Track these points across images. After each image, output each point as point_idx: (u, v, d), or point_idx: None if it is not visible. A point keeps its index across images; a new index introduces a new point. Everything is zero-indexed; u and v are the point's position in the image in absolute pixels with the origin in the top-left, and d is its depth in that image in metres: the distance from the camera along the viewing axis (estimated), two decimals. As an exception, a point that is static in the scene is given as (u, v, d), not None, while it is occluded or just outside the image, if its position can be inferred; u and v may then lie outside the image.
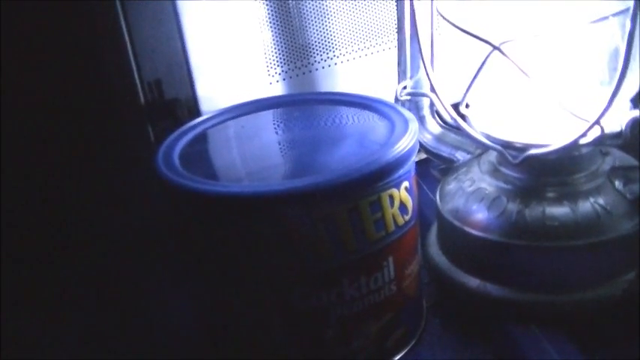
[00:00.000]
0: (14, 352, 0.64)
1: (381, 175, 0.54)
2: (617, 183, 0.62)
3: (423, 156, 0.74)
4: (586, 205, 0.61)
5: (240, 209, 0.53)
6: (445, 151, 0.72)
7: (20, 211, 0.75)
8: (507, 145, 0.61)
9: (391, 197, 0.55)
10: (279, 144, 0.62)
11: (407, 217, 0.57)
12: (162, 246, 0.72)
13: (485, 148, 0.66)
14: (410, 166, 0.57)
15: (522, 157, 0.60)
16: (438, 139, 0.73)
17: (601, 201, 0.61)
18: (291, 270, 0.55)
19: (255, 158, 0.60)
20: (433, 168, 0.81)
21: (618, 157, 0.66)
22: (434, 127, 0.72)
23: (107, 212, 0.78)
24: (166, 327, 0.68)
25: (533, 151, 0.60)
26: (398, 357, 0.61)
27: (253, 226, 0.53)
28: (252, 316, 0.58)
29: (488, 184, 0.64)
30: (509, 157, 0.61)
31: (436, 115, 0.73)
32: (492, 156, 0.67)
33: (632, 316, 0.60)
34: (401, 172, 0.55)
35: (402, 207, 0.56)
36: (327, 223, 0.53)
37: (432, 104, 0.72)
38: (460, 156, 0.71)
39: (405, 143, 0.55)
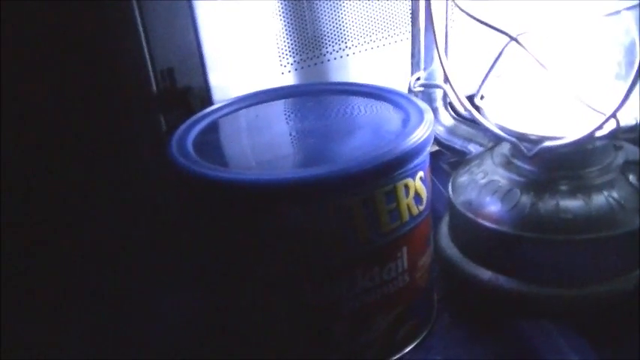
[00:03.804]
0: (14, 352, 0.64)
1: (397, 164, 0.53)
2: (630, 177, 0.62)
3: (434, 149, 0.74)
4: (600, 199, 0.60)
5: (253, 198, 0.53)
6: (458, 143, 0.72)
7: (24, 202, 0.75)
8: (522, 137, 0.61)
9: (406, 187, 0.54)
10: (292, 134, 0.62)
11: (421, 208, 0.57)
12: (171, 238, 0.72)
13: (499, 140, 0.66)
14: (425, 156, 0.57)
15: (537, 150, 0.60)
16: (451, 131, 0.72)
17: (615, 195, 0.61)
18: (302, 261, 0.54)
19: (268, 147, 0.60)
20: (443, 162, 0.81)
21: (631, 151, 0.65)
22: (447, 119, 0.72)
23: (116, 201, 0.77)
24: (169, 324, 0.67)
25: (547, 144, 0.60)
26: (407, 350, 0.61)
27: (265, 216, 0.53)
28: (261, 309, 0.58)
29: (501, 177, 0.64)
30: (524, 149, 0.60)
31: (449, 108, 0.73)
32: (505, 148, 0.67)
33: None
34: (416, 161, 0.55)
35: (417, 197, 0.56)
36: (341, 214, 0.53)
37: (444, 96, 0.72)
38: (473, 148, 0.71)
39: (421, 133, 0.55)
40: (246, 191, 0.52)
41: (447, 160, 0.78)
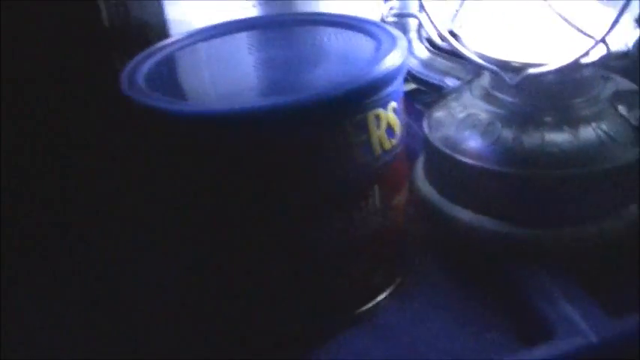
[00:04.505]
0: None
1: (368, 92, 0.48)
2: (620, 108, 0.57)
3: (408, 87, 0.69)
4: (588, 131, 0.56)
5: (212, 130, 0.48)
6: (433, 77, 0.68)
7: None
8: (504, 66, 0.56)
9: (378, 118, 0.50)
10: (256, 65, 0.56)
11: (394, 142, 0.52)
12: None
13: (480, 70, 0.62)
14: (398, 85, 0.52)
15: (520, 78, 0.55)
16: (426, 64, 0.68)
17: (604, 127, 0.56)
18: (266, 203, 0.49)
19: (230, 80, 0.54)
20: (419, 102, 0.77)
21: (620, 82, 0.61)
22: (421, 51, 0.68)
23: (70, 145, 0.72)
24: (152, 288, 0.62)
25: (532, 71, 0.55)
26: (384, 296, 0.57)
27: (227, 150, 0.48)
28: (226, 257, 0.54)
29: (481, 110, 0.59)
30: (506, 79, 0.56)
31: (424, 40, 0.68)
32: (485, 80, 0.62)
33: (636, 251, 0.56)
34: (389, 90, 0.50)
35: (390, 130, 0.51)
36: (308, 147, 0.48)
37: (419, 28, 0.67)
38: (450, 82, 0.66)
39: (393, 59, 0.50)
40: (203, 125, 0.48)
41: (423, 100, 0.73)
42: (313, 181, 0.49)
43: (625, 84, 0.61)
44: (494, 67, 0.56)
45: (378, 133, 0.50)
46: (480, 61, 0.57)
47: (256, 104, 0.48)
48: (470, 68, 0.65)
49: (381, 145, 0.51)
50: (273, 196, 0.49)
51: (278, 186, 0.49)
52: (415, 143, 0.66)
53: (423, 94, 0.75)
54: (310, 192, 0.49)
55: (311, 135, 0.48)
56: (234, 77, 0.55)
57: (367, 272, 0.55)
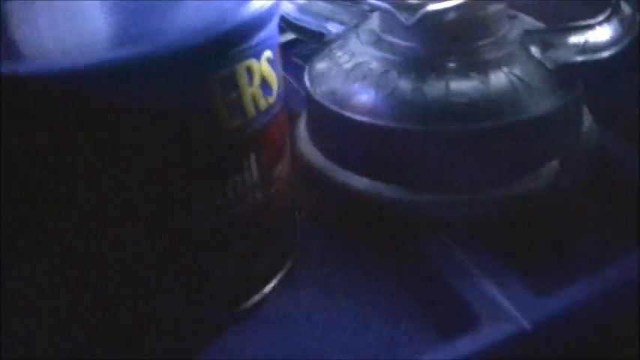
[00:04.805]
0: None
1: (236, 38, 0.39)
2: (533, 49, 0.49)
3: (284, 39, 0.60)
4: (500, 77, 0.47)
5: (46, 93, 0.36)
6: (312, 23, 0.58)
7: None
8: (398, 5, 0.47)
9: (249, 71, 0.40)
10: (97, 10, 0.45)
11: (271, 100, 0.42)
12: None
13: (367, 11, 0.52)
14: (273, 30, 0.42)
15: (417, 17, 0.46)
16: (303, 9, 0.58)
17: (517, 71, 0.48)
18: (116, 180, 0.39)
19: (66, 30, 0.43)
20: (295, 55, 0.67)
21: (528, 22, 0.53)
22: (297, -7, 0.58)
23: None
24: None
25: (431, 8, 0.46)
26: (269, 288, 0.47)
27: (62, 117, 0.37)
28: (82, 246, 0.42)
29: (371, 58, 0.50)
30: (402, 19, 0.46)
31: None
32: (374, 23, 0.53)
33: (560, 216, 0.48)
34: (261, 35, 0.40)
35: (265, 85, 0.41)
36: (161, 111, 0.38)
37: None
38: (332, 28, 0.57)
39: (263, -2, 0.40)
40: (38, 84, 0.36)
41: (301, 52, 0.64)
42: (171, 152, 0.39)
43: (531, 23, 0.53)
44: (387, 6, 0.47)
45: (251, 90, 0.40)
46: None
47: (89, 61, 0.36)
48: (355, 10, 0.55)
49: (256, 104, 0.41)
50: (123, 172, 0.39)
51: (128, 160, 0.38)
52: (294, 102, 0.56)
53: (301, 45, 0.66)
54: (168, 166, 0.39)
55: (164, 96, 0.37)
56: (70, 27, 0.43)
57: (249, 258, 0.45)
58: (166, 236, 0.41)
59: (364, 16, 0.55)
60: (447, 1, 0.46)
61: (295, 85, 0.58)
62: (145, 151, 0.38)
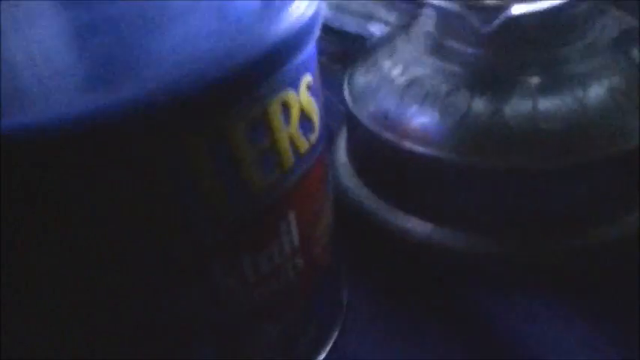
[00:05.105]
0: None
1: (265, 65, 0.28)
2: (635, 54, 0.39)
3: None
4: (597, 92, 0.37)
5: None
6: (350, 23, 0.48)
7: None
8: (472, 5, 0.37)
9: (285, 106, 0.29)
10: (72, 32, 0.34)
11: (313, 139, 0.32)
12: None
13: (419, 10, 0.42)
14: (312, 47, 0.32)
15: (499, 23, 0.36)
16: (339, 7, 0.48)
17: (616, 84, 0.37)
18: (123, 256, 0.28)
19: (33, 59, 0.32)
20: (321, 54, 0.57)
21: (623, 19, 0.42)
22: (331, -13, 0.48)
23: None
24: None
25: (515, 11, 0.35)
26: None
27: (39, 184, 0.26)
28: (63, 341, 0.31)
29: (432, 70, 0.40)
30: (477, 25, 0.36)
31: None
32: (429, 24, 0.43)
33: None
34: (299, 57, 0.30)
35: (305, 121, 0.31)
36: (172, 170, 0.27)
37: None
38: (375, 30, 0.46)
39: (301, 5, 0.30)
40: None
41: (326, 50, 0.53)
42: (184, 224, 0.28)
43: (626, 21, 0.43)
44: (457, 8, 0.37)
45: (288, 132, 0.30)
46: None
47: (68, 112, 0.26)
48: (404, 8, 0.45)
49: (295, 148, 0.31)
50: (122, 253, 0.28)
51: (132, 237, 0.28)
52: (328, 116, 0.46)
53: (331, 45, 0.56)
54: (183, 241, 0.29)
55: (165, 155, 0.27)
56: (40, 54, 0.32)
57: (287, 341, 0.35)
58: (187, 327, 0.31)
59: (413, 15, 0.45)
60: (535, 2, 0.35)
61: (330, 96, 0.48)
62: (152, 230, 0.28)
